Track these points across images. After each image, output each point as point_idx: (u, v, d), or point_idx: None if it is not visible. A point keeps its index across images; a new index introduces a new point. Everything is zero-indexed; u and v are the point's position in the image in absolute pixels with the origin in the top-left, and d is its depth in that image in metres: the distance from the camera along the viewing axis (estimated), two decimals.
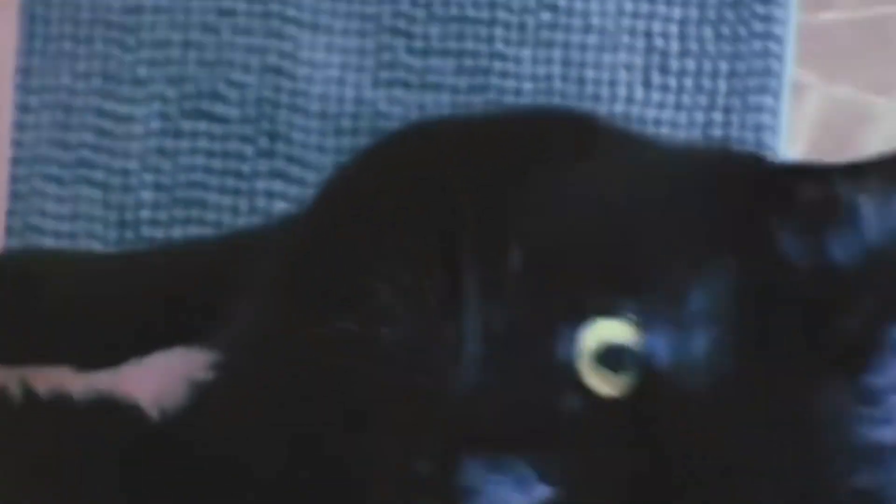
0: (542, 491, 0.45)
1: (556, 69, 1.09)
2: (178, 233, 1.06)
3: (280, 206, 1.07)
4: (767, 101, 1.10)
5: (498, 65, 1.09)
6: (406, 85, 1.09)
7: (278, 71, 1.08)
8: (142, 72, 1.08)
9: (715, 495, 0.46)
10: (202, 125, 1.08)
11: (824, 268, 0.50)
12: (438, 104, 1.09)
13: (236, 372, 0.63)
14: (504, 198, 0.52)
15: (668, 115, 1.08)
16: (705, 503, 0.45)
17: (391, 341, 0.52)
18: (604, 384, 0.46)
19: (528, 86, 1.08)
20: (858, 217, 0.49)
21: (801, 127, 1.15)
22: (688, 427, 0.45)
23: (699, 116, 1.09)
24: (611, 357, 0.46)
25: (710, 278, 0.47)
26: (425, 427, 0.47)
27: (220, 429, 0.61)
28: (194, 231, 1.06)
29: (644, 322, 0.46)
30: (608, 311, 0.47)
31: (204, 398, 0.64)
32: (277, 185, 1.07)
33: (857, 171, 0.51)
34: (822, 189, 0.51)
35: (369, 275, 0.54)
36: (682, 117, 1.09)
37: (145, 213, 1.06)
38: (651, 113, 1.08)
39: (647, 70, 1.09)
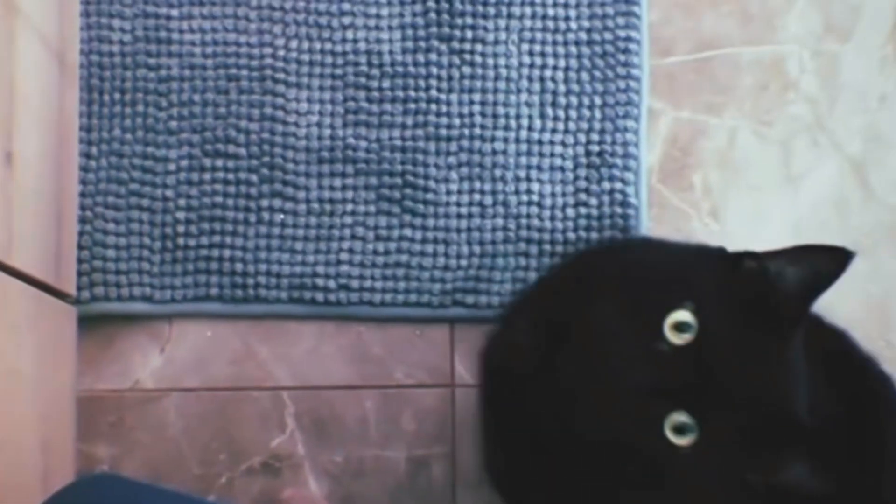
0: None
1: (477, 108, 1.35)
2: (204, 241, 1.29)
3: (279, 218, 1.30)
4: (631, 123, 1.35)
5: (434, 107, 1.34)
6: (367, 125, 1.33)
7: (273, 119, 1.31)
8: (173, 124, 1.30)
9: (732, 395, 0.85)
10: (219, 162, 1.31)
11: (770, 288, 0.89)
12: (391, 137, 1.33)
13: None
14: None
15: (559, 137, 1.34)
16: (724, 395, 0.84)
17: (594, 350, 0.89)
18: (677, 339, 0.85)
19: (456, 121, 1.34)
20: (782, 275, 0.88)
21: (656, 141, 1.38)
22: (717, 356, 0.85)
23: (582, 137, 1.34)
24: (681, 326, 0.85)
25: (718, 294, 0.87)
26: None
27: None
28: (217, 239, 1.29)
29: (696, 311, 0.86)
30: (680, 306, 0.86)
31: None
32: (276, 202, 1.30)
33: (774, 254, 0.90)
34: (755, 260, 0.91)
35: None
36: (570, 138, 1.34)
37: (181, 228, 1.29)
38: (546, 136, 1.34)
39: (542, 105, 1.34)
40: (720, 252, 0.94)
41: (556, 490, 0.97)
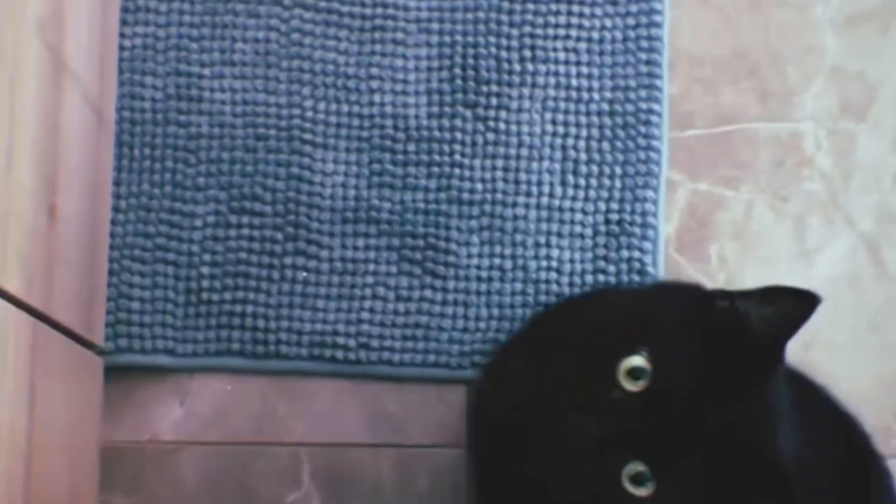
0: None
1: (499, 174, 1.37)
2: (228, 296, 1.30)
3: (301, 275, 1.32)
4: (650, 193, 1.36)
5: (457, 171, 1.36)
6: (391, 187, 1.35)
7: (299, 178, 1.33)
8: (200, 181, 1.32)
9: (689, 440, 0.84)
10: (245, 219, 1.32)
11: (740, 328, 0.88)
12: (415, 200, 1.35)
13: None
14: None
15: (579, 205, 1.36)
16: (683, 441, 0.84)
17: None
18: (631, 385, 0.85)
19: (479, 186, 1.36)
20: (749, 315, 0.88)
21: (673, 211, 1.40)
22: (672, 401, 0.84)
23: (602, 206, 1.36)
24: (634, 372, 0.85)
25: (679, 337, 0.88)
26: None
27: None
28: (241, 295, 1.30)
29: (650, 357, 0.85)
30: (633, 352, 0.86)
31: None
32: (300, 260, 1.32)
33: (746, 294, 0.89)
34: (727, 300, 0.90)
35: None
36: (590, 206, 1.36)
37: (205, 283, 1.31)
38: (567, 203, 1.36)
39: (563, 173, 1.36)
40: (693, 289, 0.95)
41: None
